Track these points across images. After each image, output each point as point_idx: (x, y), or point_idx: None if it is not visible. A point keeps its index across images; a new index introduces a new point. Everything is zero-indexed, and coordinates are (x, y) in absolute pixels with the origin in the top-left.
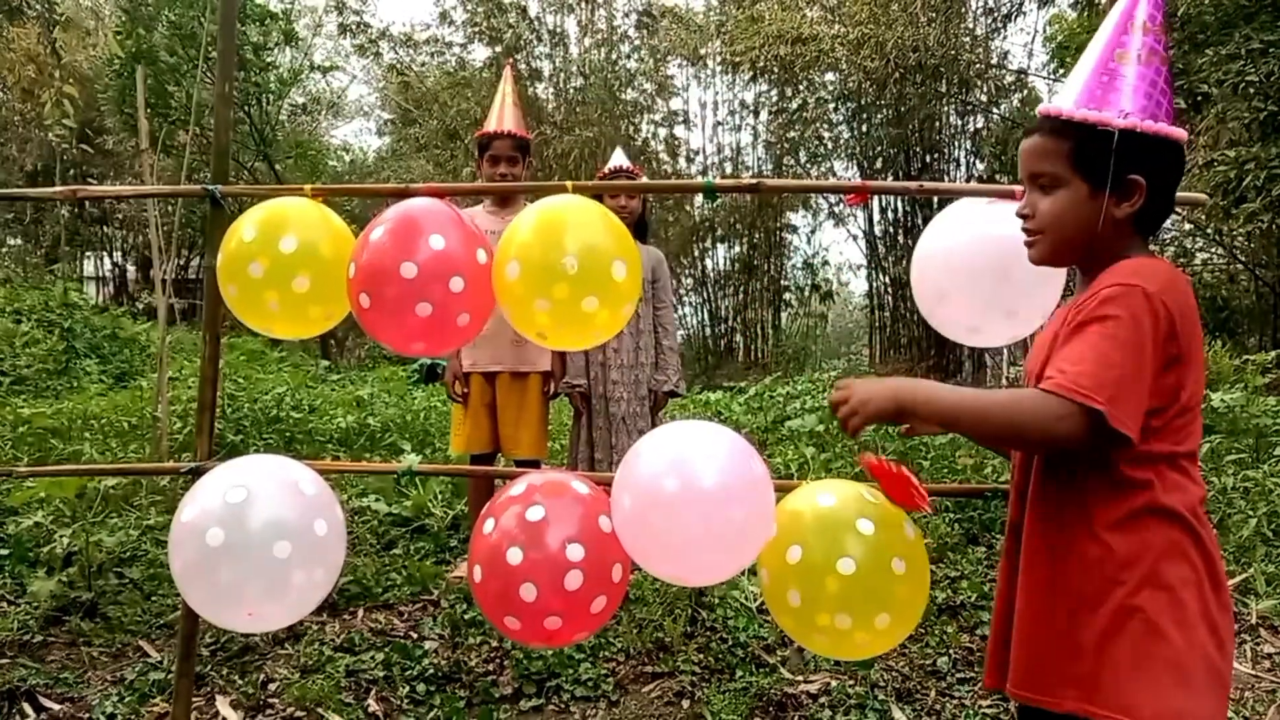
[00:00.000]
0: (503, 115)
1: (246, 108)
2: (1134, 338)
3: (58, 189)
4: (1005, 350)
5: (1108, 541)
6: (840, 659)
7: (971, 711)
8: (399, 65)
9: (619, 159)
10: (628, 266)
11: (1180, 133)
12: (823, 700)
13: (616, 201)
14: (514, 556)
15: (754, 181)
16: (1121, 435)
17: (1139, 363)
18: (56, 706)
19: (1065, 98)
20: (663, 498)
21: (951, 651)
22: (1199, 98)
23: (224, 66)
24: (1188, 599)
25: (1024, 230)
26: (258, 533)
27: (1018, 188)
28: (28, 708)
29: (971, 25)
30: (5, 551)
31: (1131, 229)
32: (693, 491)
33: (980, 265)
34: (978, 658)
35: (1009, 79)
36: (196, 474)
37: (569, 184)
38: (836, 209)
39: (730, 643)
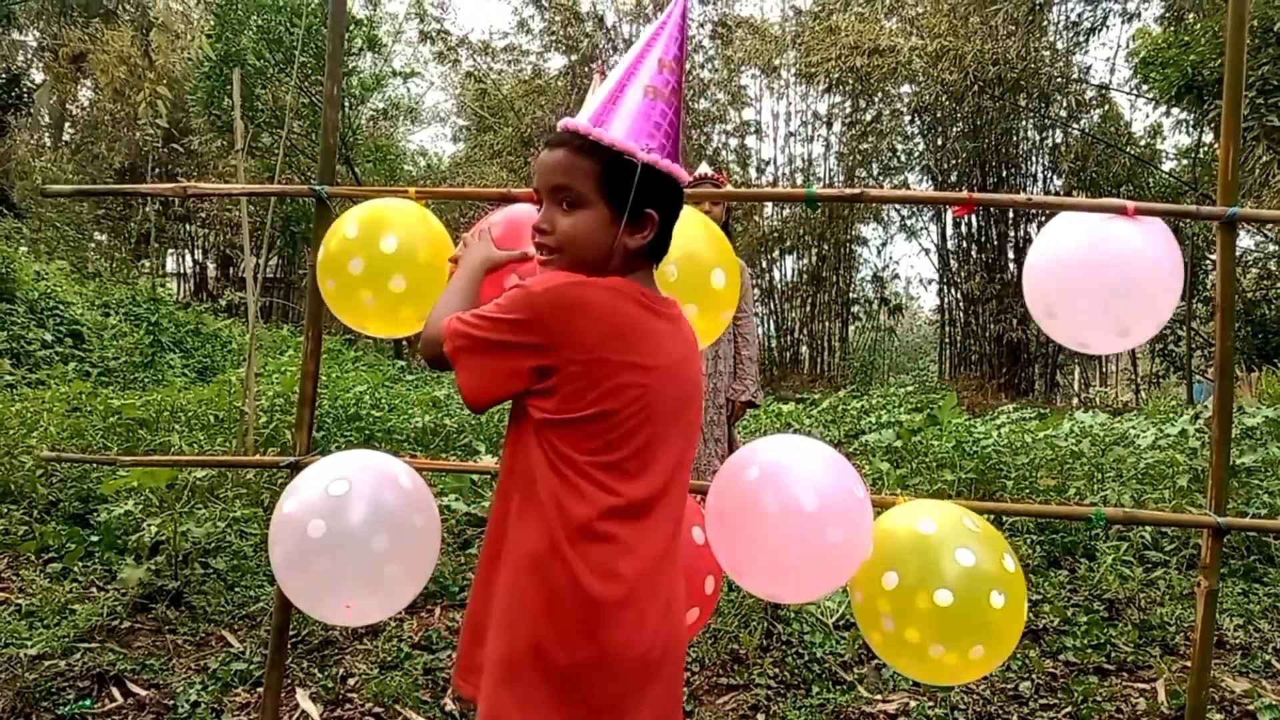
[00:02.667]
0: None
1: None
2: (498, 326)
3: (169, 185)
4: (1078, 372)
5: None
6: (926, 682)
7: None
8: (476, 72)
9: (703, 166)
10: (726, 275)
11: (684, 175)
12: None
13: (700, 208)
14: None
15: (857, 191)
16: None
17: (494, 339)
18: (143, 692)
19: (587, 115)
20: (762, 516)
21: (1034, 676)
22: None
23: (332, 69)
24: None
25: (539, 245)
26: (358, 525)
27: (1130, 204)
28: (116, 692)
29: (1053, 39)
30: (96, 538)
31: (639, 259)
32: (793, 512)
33: (1093, 285)
34: (1060, 684)
35: (1090, 94)
36: (295, 468)
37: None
38: (909, 221)
39: (806, 658)
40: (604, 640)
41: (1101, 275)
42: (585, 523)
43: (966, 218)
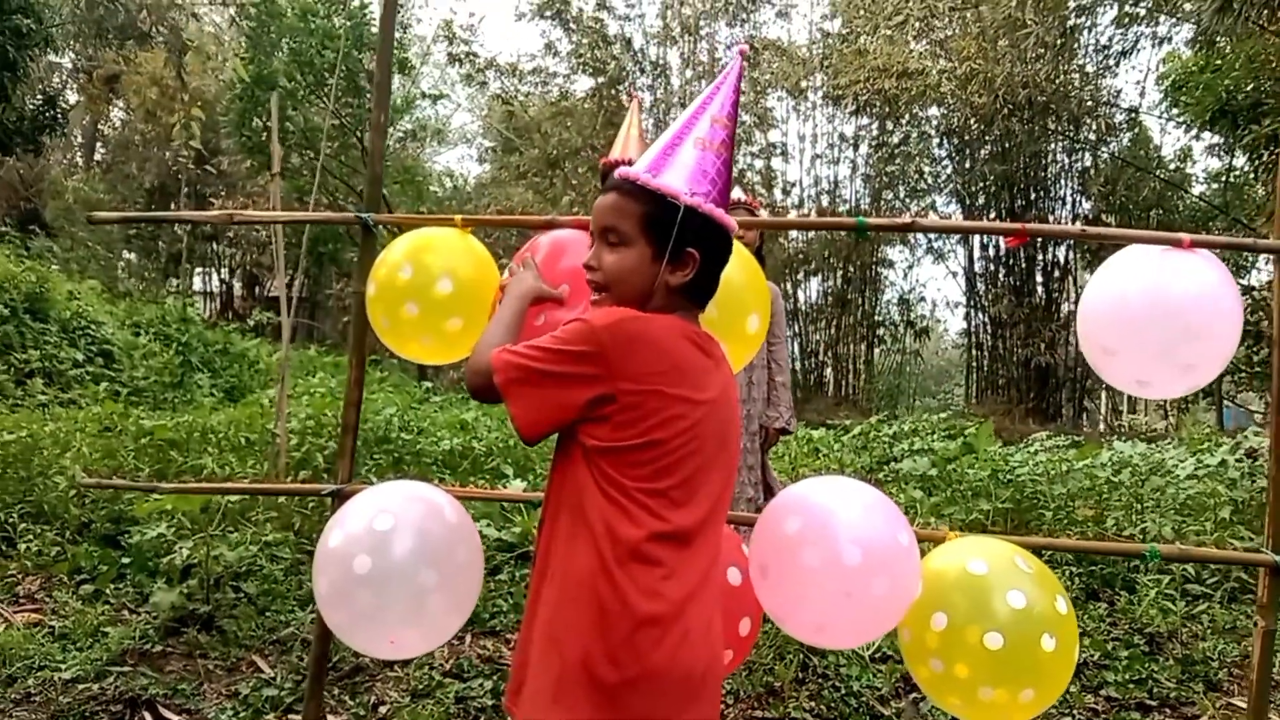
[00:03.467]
0: (627, 144)
1: (359, 132)
2: (560, 358)
3: (216, 213)
4: (1105, 398)
5: None
6: None
7: None
8: (504, 94)
9: (735, 191)
10: (760, 320)
11: (732, 223)
12: None
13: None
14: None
15: (909, 220)
16: None
17: (547, 369)
18: (175, 717)
19: (643, 165)
20: (805, 572)
21: (1075, 712)
22: None
23: (380, 98)
24: None
25: (590, 282)
26: (404, 561)
27: (1185, 236)
28: (148, 716)
29: (1083, 62)
30: (128, 560)
31: (681, 297)
32: (836, 567)
33: (1155, 321)
34: (1103, 718)
35: (1119, 117)
36: (338, 496)
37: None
38: (936, 244)
39: (843, 691)
40: (651, 658)
41: (1165, 314)
42: (634, 545)
43: (995, 240)
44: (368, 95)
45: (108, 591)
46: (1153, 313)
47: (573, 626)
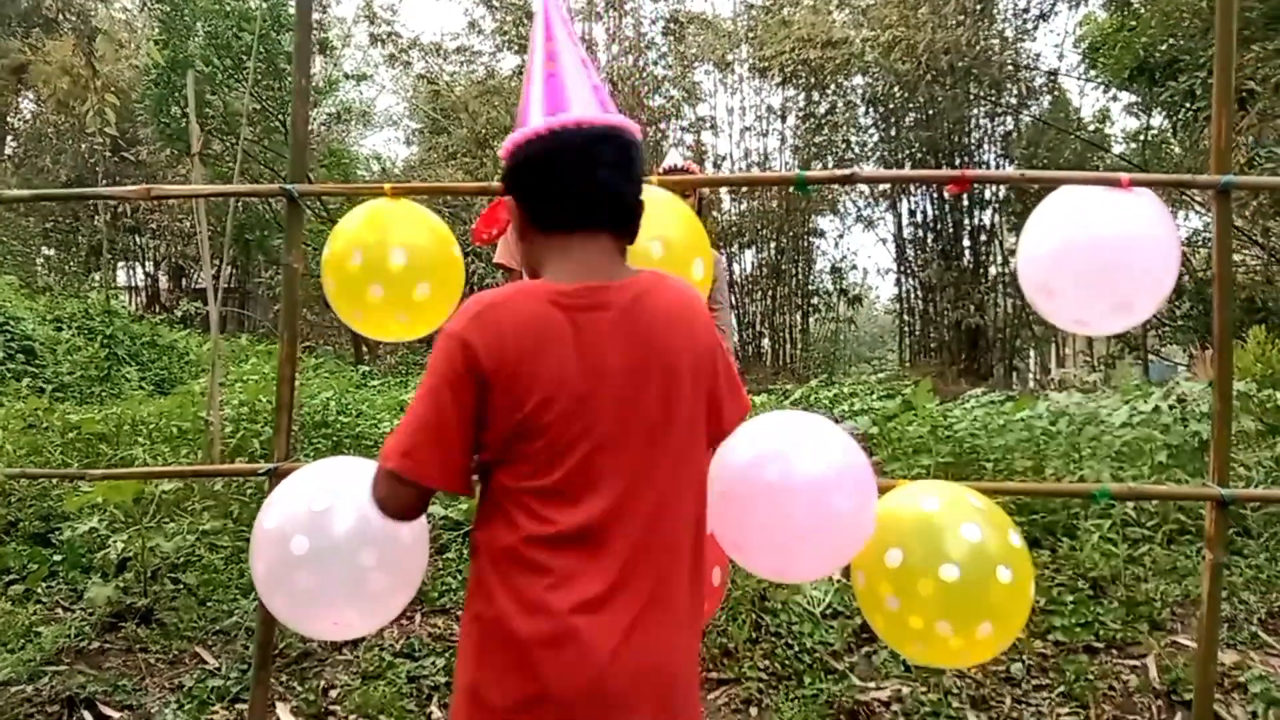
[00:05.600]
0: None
1: (281, 116)
2: (431, 385)
3: (131, 189)
4: (1034, 356)
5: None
6: (934, 665)
7: None
8: (428, 74)
9: (674, 158)
10: (705, 266)
11: (534, 122)
12: (895, 708)
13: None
14: None
15: (848, 172)
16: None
17: (436, 409)
18: (116, 715)
19: None
20: (765, 488)
21: (1025, 658)
22: (1243, 95)
23: (301, 61)
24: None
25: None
26: (343, 541)
27: (1124, 176)
28: (88, 715)
29: (1002, 27)
30: (59, 557)
31: (549, 236)
32: (798, 480)
33: (1091, 261)
34: (1051, 664)
35: (1039, 80)
36: (274, 475)
37: (654, 178)
38: (865, 212)
39: (796, 649)
40: (538, 677)
41: (1101, 250)
42: (511, 550)
43: (922, 205)
44: (288, 78)
45: (39, 590)
46: (1091, 250)
47: (462, 653)
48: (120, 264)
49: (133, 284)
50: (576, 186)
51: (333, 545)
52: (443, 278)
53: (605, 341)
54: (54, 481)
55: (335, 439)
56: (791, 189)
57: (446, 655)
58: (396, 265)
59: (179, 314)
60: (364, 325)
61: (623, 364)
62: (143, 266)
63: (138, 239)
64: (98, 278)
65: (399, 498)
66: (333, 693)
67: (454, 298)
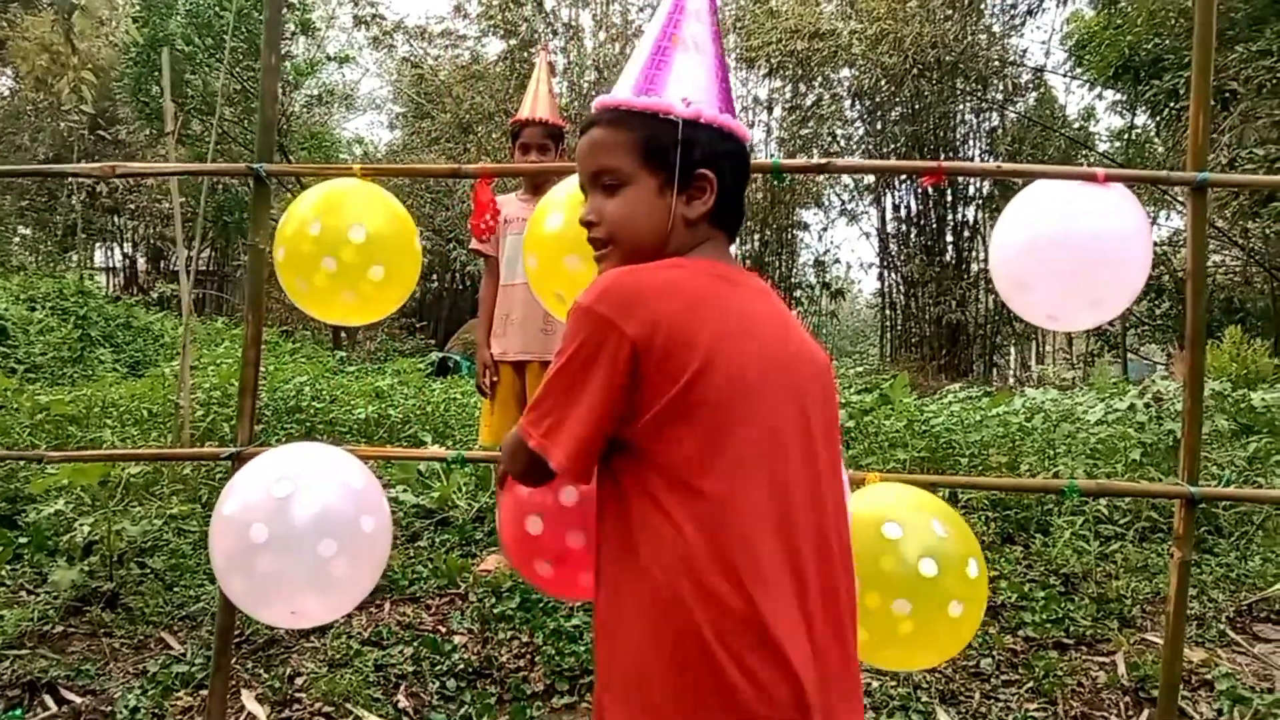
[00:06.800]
0: (536, 103)
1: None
2: (571, 363)
3: (96, 165)
4: (1014, 353)
5: None
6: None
7: (1019, 715)
8: (413, 58)
9: None
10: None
11: (745, 132)
12: (865, 701)
13: None
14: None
15: (824, 161)
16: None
17: (578, 386)
18: (78, 699)
19: (625, 86)
20: None
21: (995, 653)
22: (1226, 95)
23: (270, 36)
24: None
25: (592, 240)
26: (303, 531)
27: (1100, 171)
28: (49, 700)
29: (989, 22)
30: (24, 540)
31: (707, 229)
32: None
33: (1064, 255)
34: (1021, 659)
35: (1025, 77)
36: (237, 459)
37: None
38: (849, 206)
39: None
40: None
41: (1072, 243)
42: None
43: (906, 200)
44: None
45: (3, 574)
46: (1064, 245)
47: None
48: (99, 245)
49: (110, 265)
50: (742, 202)
51: (292, 533)
52: (398, 265)
53: (759, 314)
54: (19, 463)
55: (308, 424)
56: (772, 180)
57: (415, 644)
58: (355, 240)
59: (155, 296)
60: (307, 299)
61: (772, 339)
62: (121, 248)
63: (116, 219)
64: (74, 258)
65: (524, 472)
66: (299, 680)
67: (406, 289)
